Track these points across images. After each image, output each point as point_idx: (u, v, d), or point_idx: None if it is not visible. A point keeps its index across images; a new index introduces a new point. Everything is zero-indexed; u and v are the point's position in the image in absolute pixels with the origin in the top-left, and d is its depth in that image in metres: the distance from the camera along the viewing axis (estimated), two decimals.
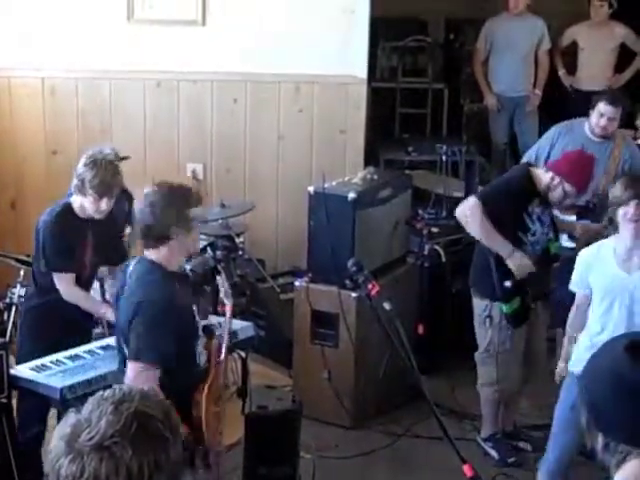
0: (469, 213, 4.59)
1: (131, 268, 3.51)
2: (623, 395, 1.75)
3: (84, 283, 4.45)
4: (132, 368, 3.33)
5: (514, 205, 4.60)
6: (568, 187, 4.49)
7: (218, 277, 4.02)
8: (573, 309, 4.17)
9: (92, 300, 4.45)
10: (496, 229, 4.54)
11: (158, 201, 3.41)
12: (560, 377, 4.23)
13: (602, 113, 5.21)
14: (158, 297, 3.37)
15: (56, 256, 4.31)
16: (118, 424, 1.59)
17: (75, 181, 4.24)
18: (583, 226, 4.98)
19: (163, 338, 3.32)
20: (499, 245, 4.56)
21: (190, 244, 3.56)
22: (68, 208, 4.34)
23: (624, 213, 3.85)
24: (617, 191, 3.90)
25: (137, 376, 3.28)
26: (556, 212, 4.92)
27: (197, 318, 3.54)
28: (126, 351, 3.41)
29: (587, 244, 4.94)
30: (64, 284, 4.32)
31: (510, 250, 4.53)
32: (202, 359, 3.55)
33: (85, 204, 4.27)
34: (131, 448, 1.58)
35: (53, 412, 4.29)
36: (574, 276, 4.09)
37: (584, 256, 4.06)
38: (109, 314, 4.34)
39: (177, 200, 3.45)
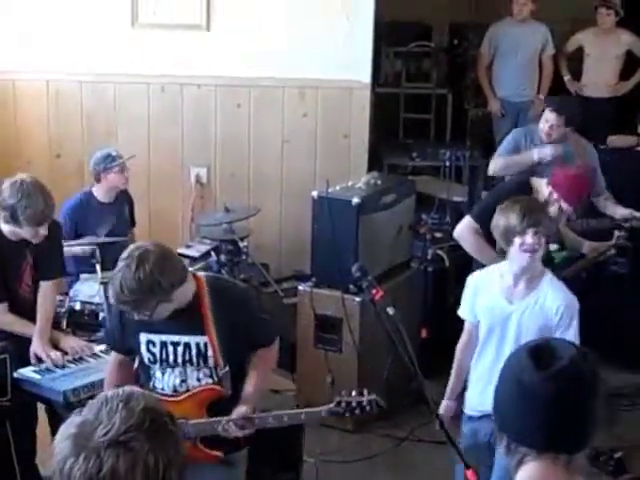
0: (464, 234, 4.60)
1: None
2: (524, 398, 1.78)
3: (28, 302, 4.18)
4: None
5: None
6: (565, 206, 4.42)
7: None
8: (462, 338, 3.91)
9: (25, 325, 4.12)
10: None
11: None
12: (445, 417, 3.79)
13: (547, 119, 5.30)
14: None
15: None
16: (132, 419, 1.60)
17: (3, 213, 3.91)
18: (591, 244, 4.95)
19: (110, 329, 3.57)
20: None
21: None
22: None
23: (521, 243, 3.59)
24: (513, 220, 3.61)
25: None
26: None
27: (146, 349, 3.32)
28: None
29: (595, 263, 4.95)
30: None
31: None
32: (164, 385, 3.34)
33: (20, 232, 3.97)
34: (147, 442, 1.58)
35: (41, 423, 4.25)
36: (463, 303, 3.87)
37: (472, 282, 3.85)
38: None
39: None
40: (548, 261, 4.66)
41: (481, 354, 3.80)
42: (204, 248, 5.77)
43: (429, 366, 4.69)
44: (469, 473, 2.96)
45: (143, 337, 3.30)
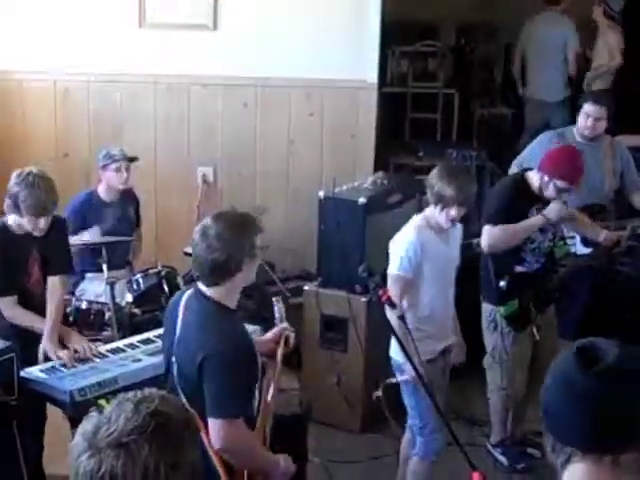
0: (493, 242, 4.49)
1: (183, 302, 3.17)
2: (569, 397, 1.77)
3: (37, 297, 4.24)
4: (216, 426, 3.00)
5: (514, 216, 4.53)
6: (559, 183, 4.37)
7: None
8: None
9: (34, 318, 4.17)
10: None
11: (226, 232, 3.05)
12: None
13: (588, 114, 5.17)
14: (229, 347, 3.01)
15: None
16: (136, 422, 1.63)
17: (7, 201, 4.02)
18: (608, 233, 4.92)
19: (239, 389, 3.05)
20: (528, 226, 4.48)
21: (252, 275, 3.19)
22: (3, 227, 4.13)
23: (447, 213, 3.94)
24: (448, 190, 3.88)
25: (226, 433, 2.99)
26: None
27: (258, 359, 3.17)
28: (176, 376, 3.14)
29: (609, 250, 4.93)
30: (4, 307, 4.14)
31: (539, 217, 4.46)
32: (255, 405, 3.23)
33: (22, 222, 4.06)
34: (148, 446, 1.61)
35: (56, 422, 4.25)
36: (407, 264, 3.94)
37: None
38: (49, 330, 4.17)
39: (246, 229, 3.13)
40: (549, 256, 4.66)
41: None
42: None
43: None
44: (475, 474, 2.95)
45: None
